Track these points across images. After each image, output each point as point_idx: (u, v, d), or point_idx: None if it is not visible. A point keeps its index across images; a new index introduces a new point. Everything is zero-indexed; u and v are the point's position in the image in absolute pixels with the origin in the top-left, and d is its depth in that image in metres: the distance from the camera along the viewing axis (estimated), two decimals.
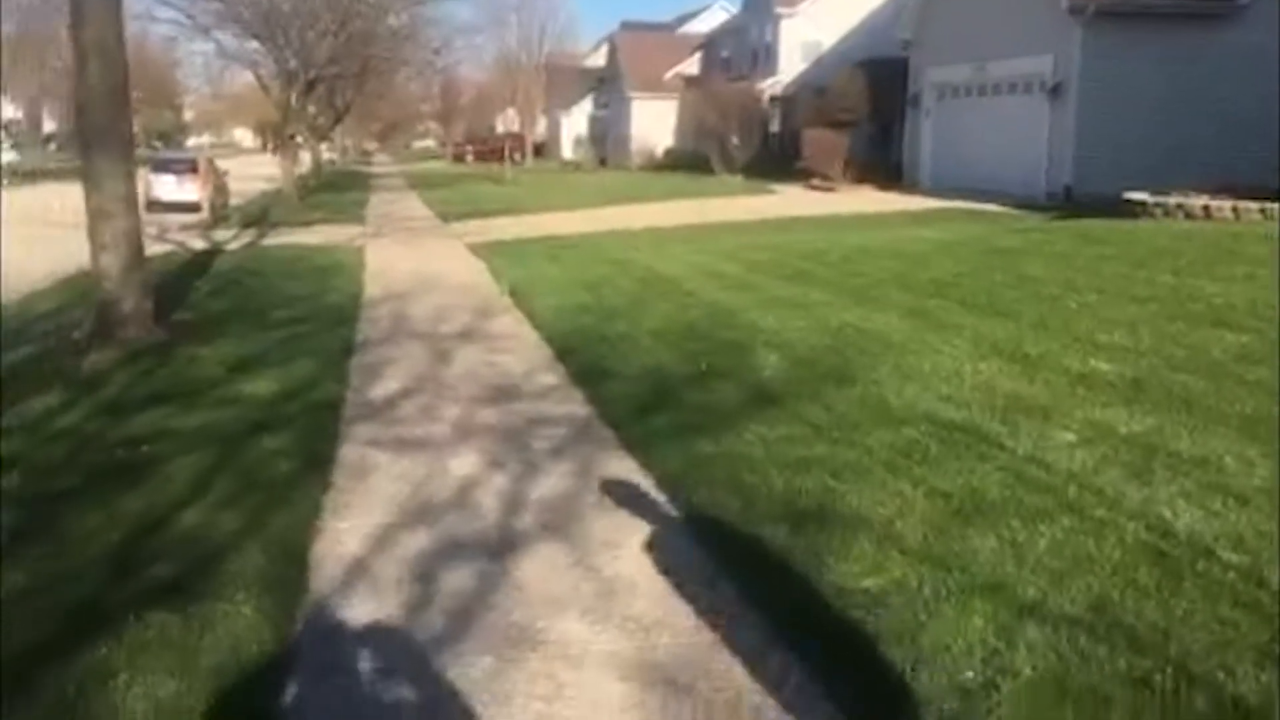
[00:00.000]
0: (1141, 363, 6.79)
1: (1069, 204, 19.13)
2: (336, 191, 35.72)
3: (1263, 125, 19.11)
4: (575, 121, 65.17)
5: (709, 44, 51.75)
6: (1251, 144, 18.78)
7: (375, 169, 64.58)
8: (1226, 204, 14.73)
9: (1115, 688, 3.18)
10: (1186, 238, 12.34)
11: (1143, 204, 15.71)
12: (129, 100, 8.95)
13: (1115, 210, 15.72)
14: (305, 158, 43.30)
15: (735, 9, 51.08)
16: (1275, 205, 14.15)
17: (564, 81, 58.60)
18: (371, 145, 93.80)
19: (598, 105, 61.72)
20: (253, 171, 42.15)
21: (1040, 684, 3.23)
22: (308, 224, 21.88)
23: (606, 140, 57.89)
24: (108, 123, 8.75)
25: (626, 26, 59.75)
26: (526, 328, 9.71)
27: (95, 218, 8.79)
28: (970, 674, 3.31)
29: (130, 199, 8.97)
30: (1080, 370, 6.68)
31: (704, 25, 56.76)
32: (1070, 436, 5.39)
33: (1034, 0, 20.90)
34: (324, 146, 48.80)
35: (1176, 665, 3.26)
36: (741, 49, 45.46)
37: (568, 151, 64.48)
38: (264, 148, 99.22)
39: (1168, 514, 4.35)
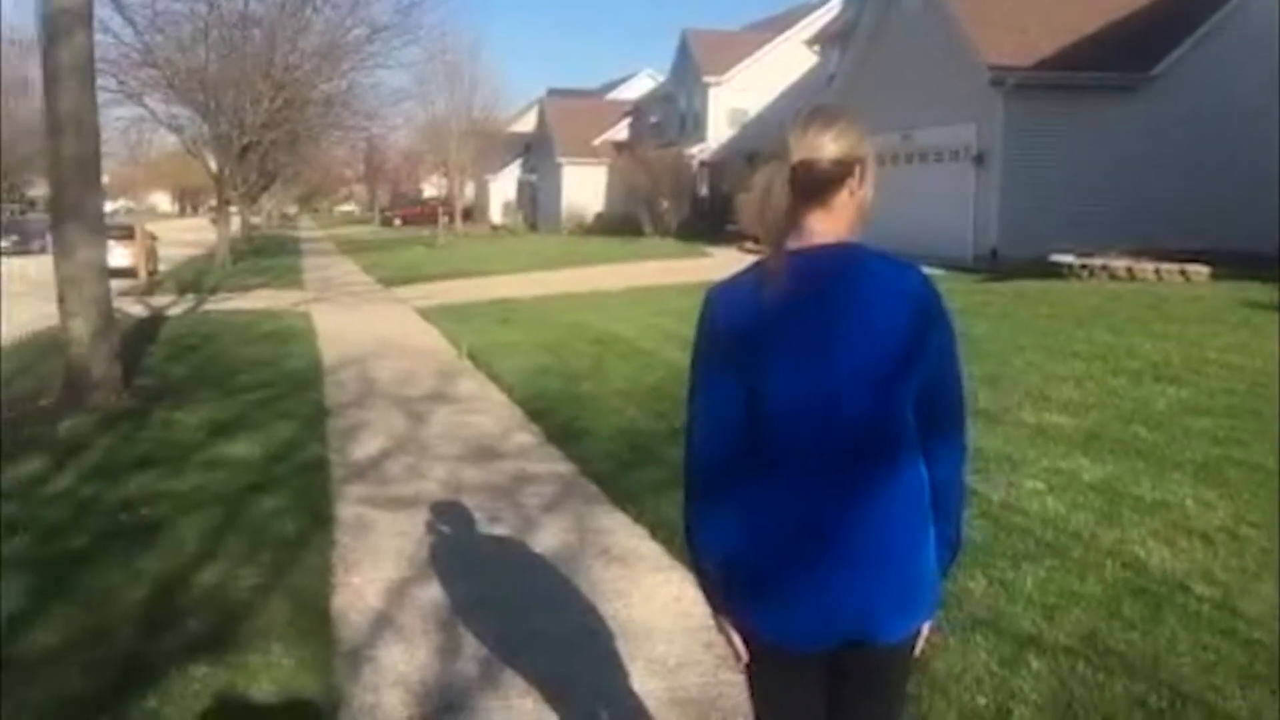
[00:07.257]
0: (1093, 415, 7.23)
1: (996, 267, 19.88)
2: (268, 257, 35.60)
3: (1177, 189, 20.14)
4: (503, 186, 65.58)
5: (637, 111, 52.70)
6: (1168, 208, 19.75)
7: (301, 234, 64.27)
8: (1149, 266, 15.50)
9: (1116, 708, 3.49)
10: (1116, 298, 12.99)
11: (1069, 266, 16.44)
12: (100, 170, 9.04)
13: (1041, 272, 16.41)
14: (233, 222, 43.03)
15: (662, 77, 52.18)
16: (1195, 266, 14.94)
17: (492, 146, 59.07)
18: (293, 209, 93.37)
19: (526, 170, 62.25)
20: (175, 236, 41.76)
21: (1047, 707, 3.52)
22: (246, 289, 21.87)
23: (536, 205, 58.39)
24: (80, 191, 8.84)
25: (554, 93, 60.59)
26: (493, 389, 9.91)
27: (65, 284, 8.83)
28: (982, 700, 3.58)
29: (101, 266, 9.04)
30: (1037, 423, 7.08)
31: (631, 92, 57.81)
32: (1039, 484, 5.75)
33: (957, 72, 21.83)
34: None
35: (1169, 687, 3.57)
36: (670, 116, 46.42)
37: (497, 216, 64.82)
38: (182, 212, 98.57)
39: (1141, 553, 4.70)
